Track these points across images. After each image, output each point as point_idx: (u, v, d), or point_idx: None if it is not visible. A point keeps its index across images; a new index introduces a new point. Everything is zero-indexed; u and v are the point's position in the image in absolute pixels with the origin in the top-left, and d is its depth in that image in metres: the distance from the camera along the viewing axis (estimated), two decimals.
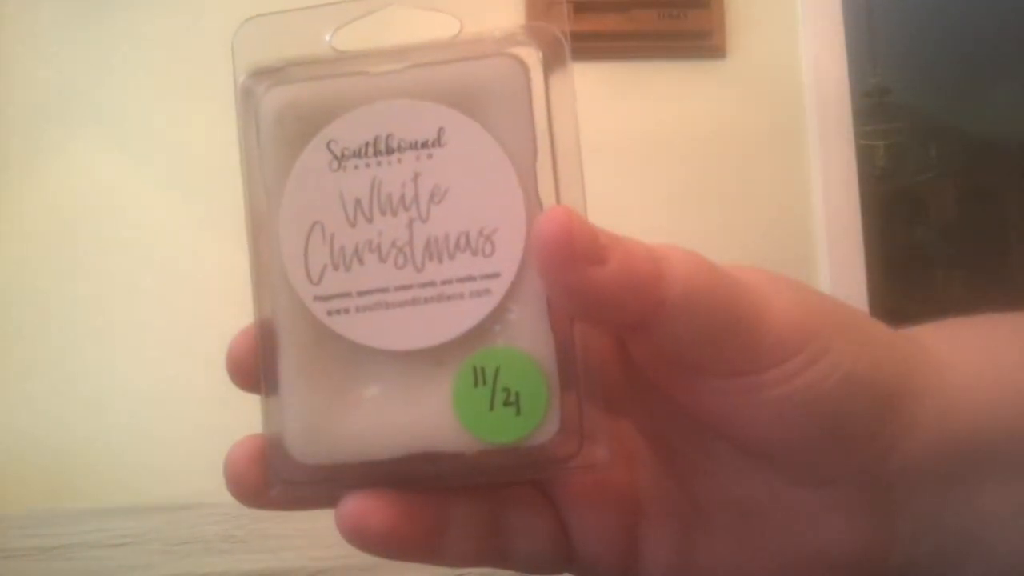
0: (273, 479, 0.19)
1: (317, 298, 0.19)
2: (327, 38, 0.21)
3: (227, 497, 0.20)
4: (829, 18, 1.44)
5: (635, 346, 0.21)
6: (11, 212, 1.40)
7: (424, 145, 0.19)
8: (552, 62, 0.20)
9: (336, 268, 0.19)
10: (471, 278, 0.19)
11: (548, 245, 0.18)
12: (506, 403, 0.19)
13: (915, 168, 2.62)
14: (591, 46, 1.37)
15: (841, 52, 1.44)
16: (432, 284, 0.19)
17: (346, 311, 0.19)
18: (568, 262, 0.17)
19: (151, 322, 1.36)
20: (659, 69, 1.42)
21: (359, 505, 0.18)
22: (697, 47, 1.43)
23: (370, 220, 0.19)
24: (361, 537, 0.18)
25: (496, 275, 0.19)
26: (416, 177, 0.19)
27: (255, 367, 0.20)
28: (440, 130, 0.19)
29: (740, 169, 1.41)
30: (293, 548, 0.66)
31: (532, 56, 0.20)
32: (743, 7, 1.44)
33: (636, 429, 0.22)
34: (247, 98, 0.20)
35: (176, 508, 0.84)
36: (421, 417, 0.19)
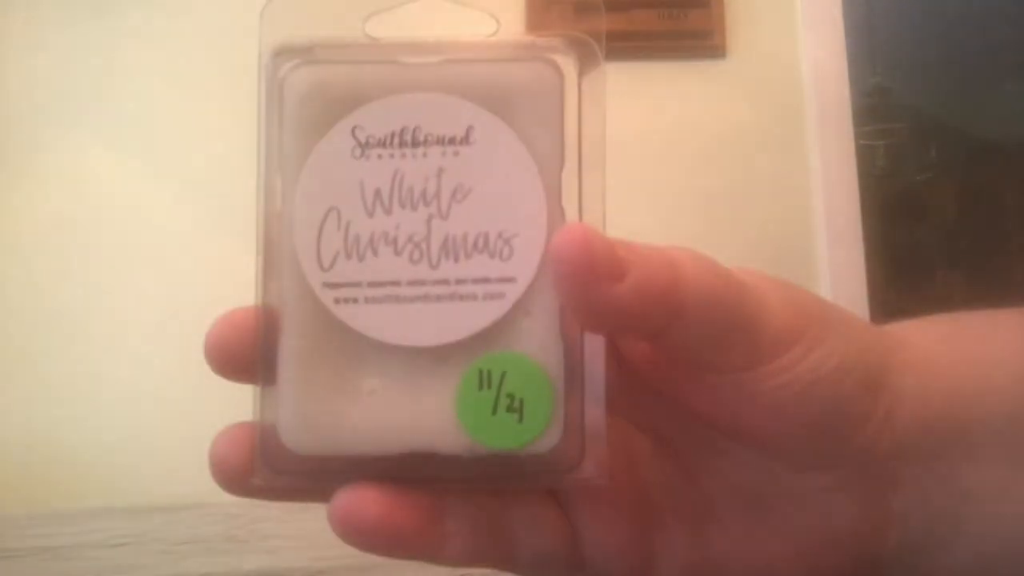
0: (261, 467, 0.19)
1: (326, 284, 0.19)
2: (360, 24, 0.21)
3: (227, 497, 0.19)
4: (829, 18, 1.44)
5: (635, 348, 0.21)
6: (11, 211, 1.40)
7: (451, 141, 0.19)
8: (587, 74, 0.20)
9: (349, 256, 0.19)
10: (486, 280, 0.19)
11: (567, 263, 0.17)
12: (509, 409, 0.18)
13: (915, 168, 2.61)
14: None
15: (841, 52, 1.44)
16: (446, 282, 0.19)
17: (354, 301, 0.19)
18: (588, 280, 0.17)
19: (151, 322, 1.36)
20: (659, 69, 1.42)
21: (352, 497, 0.18)
22: (697, 47, 1.43)
23: (388, 212, 0.19)
24: (354, 530, 0.18)
25: (511, 279, 0.19)
26: (440, 173, 0.19)
27: (239, 353, 0.19)
28: (469, 128, 0.19)
29: (740, 169, 1.41)
30: (293, 548, 0.66)
31: (568, 65, 0.20)
32: (743, 7, 1.44)
33: (635, 428, 0.22)
34: (272, 76, 0.20)
35: (176, 508, 0.84)
36: (421, 415, 0.19)
